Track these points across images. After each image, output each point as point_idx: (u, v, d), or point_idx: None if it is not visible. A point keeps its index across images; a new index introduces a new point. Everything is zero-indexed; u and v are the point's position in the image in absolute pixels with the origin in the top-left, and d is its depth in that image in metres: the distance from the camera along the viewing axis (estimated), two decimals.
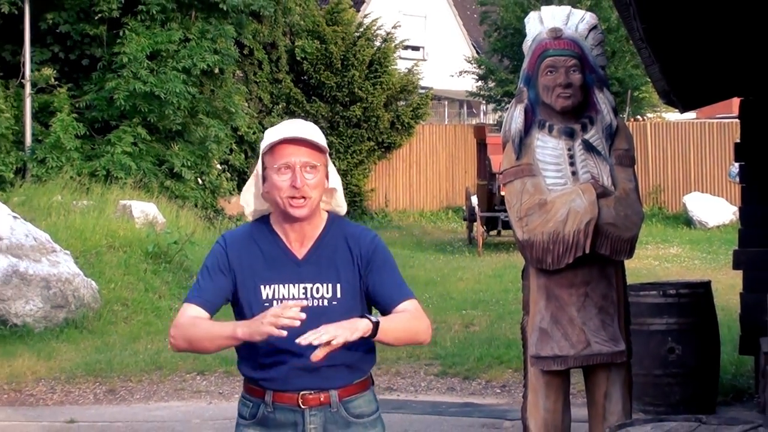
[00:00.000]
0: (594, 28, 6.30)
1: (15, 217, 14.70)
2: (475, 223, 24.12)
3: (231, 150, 26.51)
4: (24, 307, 13.31)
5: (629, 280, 6.47)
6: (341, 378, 4.15)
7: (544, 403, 6.13)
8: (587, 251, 5.87)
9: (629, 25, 6.54)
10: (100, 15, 22.73)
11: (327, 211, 4.24)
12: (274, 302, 4.05)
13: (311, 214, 4.10)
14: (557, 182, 6.04)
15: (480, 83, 35.38)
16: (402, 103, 31.62)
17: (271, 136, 4.10)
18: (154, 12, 23.13)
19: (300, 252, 4.15)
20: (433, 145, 32.78)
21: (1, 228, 14.06)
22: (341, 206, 4.29)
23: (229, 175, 26.66)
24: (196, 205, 23.69)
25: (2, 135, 21.53)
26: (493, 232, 24.84)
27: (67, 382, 11.30)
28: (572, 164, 6.06)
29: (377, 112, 30.38)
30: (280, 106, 29.63)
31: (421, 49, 40.91)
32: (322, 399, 4.12)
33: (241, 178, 27.61)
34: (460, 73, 35.98)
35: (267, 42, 28.83)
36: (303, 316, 3.81)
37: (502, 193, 20.40)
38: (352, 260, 4.16)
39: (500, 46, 33.88)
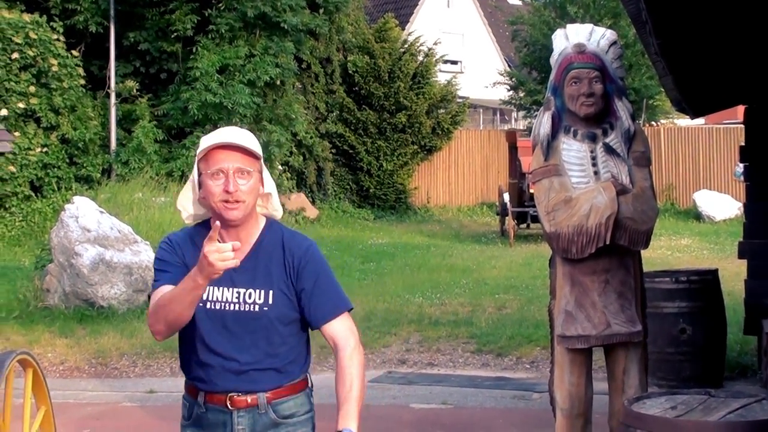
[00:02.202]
0: (614, 43, 6.25)
1: (102, 212, 14.79)
2: (507, 217, 24.06)
3: (291, 152, 26.59)
4: (109, 291, 13.40)
5: (645, 268, 6.42)
6: (269, 381, 3.78)
7: (569, 377, 6.10)
8: (608, 242, 5.84)
9: (645, 41, 6.50)
10: (176, 34, 22.88)
11: (265, 216, 3.90)
12: (209, 304, 3.72)
13: (245, 219, 3.74)
14: (581, 181, 6.00)
15: (511, 93, 35.24)
16: (442, 111, 31.58)
17: (205, 142, 3.74)
18: (223, 31, 23.25)
19: (237, 256, 3.62)
20: (470, 148, 32.71)
21: (90, 221, 14.15)
22: (277, 210, 3.93)
23: (289, 174, 26.73)
24: None
25: (91, 140, 21.69)
26: (523, 225, 24.72)
27: (147, 357, 11.36)
28: (594, 165, 6.03)
29: (420, 119, 30.37)
30: (334, 114, 29.67)
31: (459, 63, 40.80)
32: (249, 401, 3.76)
33: (299, 178, 27.72)
34: (494, 84, 35.84)
35: (323, 57, 28.87)
36: (237, 245, 3.48)
37: (532, 191, 20.46)
38: (285, 270, 3.79)
39: (529, 60, 33.70)
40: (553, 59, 6.31)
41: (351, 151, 29.92)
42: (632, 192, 5.97)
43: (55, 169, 21.26)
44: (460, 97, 33.02)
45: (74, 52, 22.04)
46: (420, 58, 31.18)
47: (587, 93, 6.03)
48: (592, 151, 6.06)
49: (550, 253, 6.35)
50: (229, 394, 3.76)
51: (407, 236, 25.14)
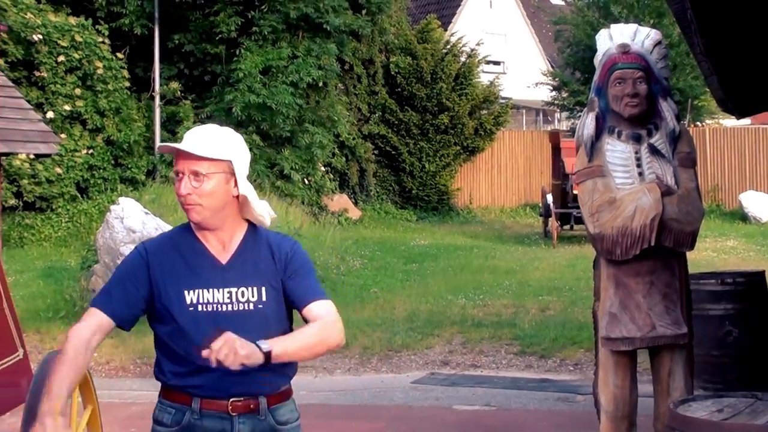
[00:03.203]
0: (658, 43, 6.21)
1: (146, 213, 14.89)
2: (550, 219, 23.99)
3: (333, 154, 26.63)
4: None
5: (690, 270, 6.37)
6: (269, 384, 3.75)
7: (614, 380, 6.06)
8: (653, 244, 5.80)
9: (690, 41, 6.46)
10: (219, 36, 22.98)
11: (247, 221, 3.83)
12: (199, 306, 3.65)
13: (208, 221, 3.70)
14: (625, 182, 5.97)
15: (554, 94, 35.10)
16: (485, 111, 31.50)
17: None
18: (266, 33, 23.32)
19: (223, 257, 3.74)
20: (513, 149, 32.60)
21: (135, 222, 14.24)
22: (262, 215, 3.85)
23: (331, 176, 26.77)
24: (302, 203, 23.84)
25: (135, 141, 21.84)
26: (566, 227, 24.62)
27: None
28: (639, 166, 5.99)
29: (463, 120, 30.31)
30: (377, 115, 29.68)
31: (501, 64, 40.68)
32: (251, 406, 3.71)
33: (342, 179, 27.76)
34: (537, 84, 35.70)
35: (365, 58, 28.89)
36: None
37: (575, 192, 20.35)
38: (275, 264, 3.76)
39: (572, 61, 33.55)
40: (597, 60, 6.28)
41: (393, 153, 29.91)
42: (677, 193, 5.92)
43: (101, 170, 21.42)
44: (503, 98, 32.92)
45: (119, 55, 22.20)
46: (462, 58, 31.12)
47: (632, 93, 6.00)
48: (636, 152, 6.02)
49: (594, 255, 6.31)
50: (231, 399, 3.69)
51: (450, 237, 25.10)
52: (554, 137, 26.28)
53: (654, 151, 6.01)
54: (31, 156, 19.01)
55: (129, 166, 21.92)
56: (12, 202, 19.87)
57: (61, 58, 20.53)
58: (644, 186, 5.89)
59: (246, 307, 3.69)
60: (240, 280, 3.71)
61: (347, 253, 19.73)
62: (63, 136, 20.28)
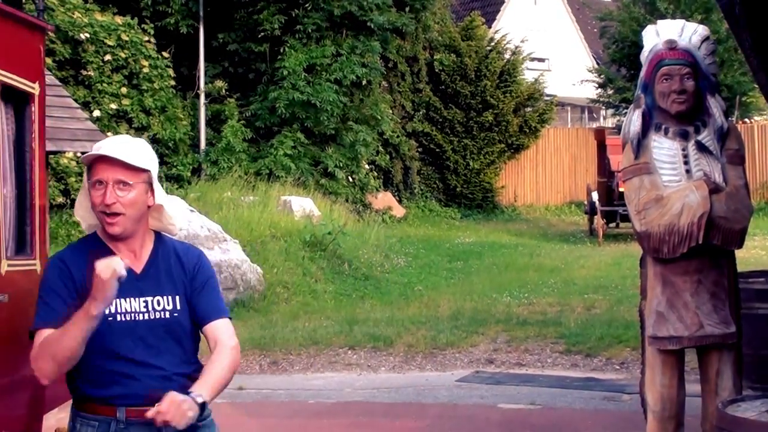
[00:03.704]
0: (706, 39, 6.15)
1: (192, 210, 14.99)
2: (595, 216, 23.89)
3: (377, 152, 26.63)
4: None
5: (739, 268, 6.30)
6: (188, 388, 3.65)
7: (661, 379, 6.01)
8: (700, 242, 5.74)
9: (739, 36, 6.39)
10: (263, 34, 23.05)
11: (153, 230, 3.83)
12: (118, 316, 3.63)
13: (129, 231, 3.69)
14: (672, 179, 5.92)
15: (600, 91, 34.90)
16: (529, 109, 31.40)
17: (92, 150, 3.65)
18: (310, 31, 23.36)
19: (137, 266, 3.73)
20: (558, 146, 32.50)
21: (180, 220, 14.31)
22: (173, 224, 3.88)
23: (375, 173, 26.77)
24: (347, 200, 23.86)
25: (180, 139, 21.95)
26: (612, 225, 24.51)
27: None
28: (686, 163, 5.94)
29: (507, 118, 30.23)
30: (421, 113, 29.66)
31: (546, 61, 40.52)
32: None
33: (386, 177, 27.74)
34: (582, 81, 35.53)
35: (409, 56, 28.86)
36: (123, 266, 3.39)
37: (621, 189, 20.25)
38: (184, 274, 3.79)
39: (618, 57, 33.34)
40: (644, 56, 6.23)
41: (438, 150, 29.87)
42: (725, 191, 5.87)
43: None
44: (548, 95, 32.79)
45: (165, 54, 22.31)
46: (507, 56, 31.03)
47: (679, 90, 5.94)
48: (683, 149, 5.97)
49: (640, 253, 6.26)
50: (156, 404, 3.58)
51: (494, 235, 25.05)
52: (600, 134, 26.18)
53: (701, 148, 5.96)
54: (78, 154, 19.16)
55: (174, 164, 22.03)
56: (60, 200, 20.02)
57: (108, 57, 20.67)
58: (692, 183, 5.84)
59: (162, 316, 3.71)
60: (155, 289, 3.73)
61: (391, 251, 19.74)
62: (109, 134, 20.43)
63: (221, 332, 3.80)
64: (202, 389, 3.59)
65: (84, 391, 3.67)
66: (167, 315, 3.72)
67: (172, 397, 3.45)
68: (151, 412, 3.42)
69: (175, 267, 3.80)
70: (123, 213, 3.63)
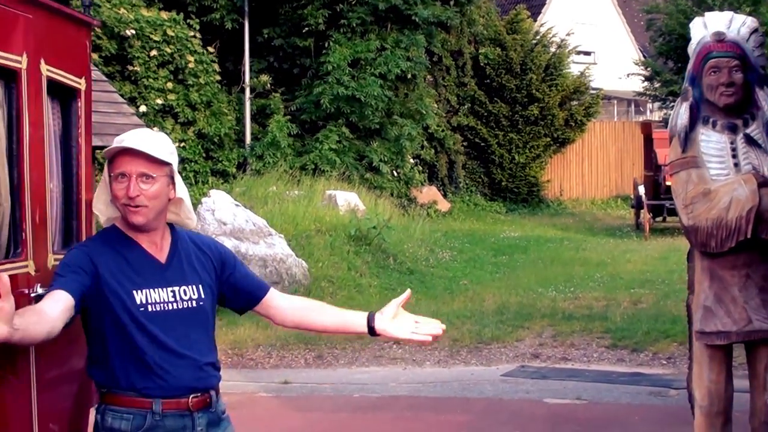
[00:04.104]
0: (755, 31, 6.09)
1: (237, 205, 15.05)
2: (642, 210, 23.79)
3: (422, 146, 26.64)
4: None
5: None
6: (215, 376, 3.83)
7: (708, 374, 5.96)
8: (749, 236, 5.68)
9: None
10: (308, 29, 23.10)
11: (169, 224, 3.86)
12: (149, 307, 3.65)
13: (150, 223, 3.71)
14: (720, 173, 5.86)
15: (646, 84, 34.66)
16: (575, 102, 31.28)
17: (114, 143, 3.69)
18: (355, 25, 23.38)
19: (161, 257, 3.77)
20: (604, 140, 32.35)
21: (226, 215, 14.41)
22: (191, 218, 3.93)
23: (420, 168, 26.75)
24: (391, 195, 23.86)
25: (226, 134, 22.05)
26: (659, 219, 24.36)
27: (281, 348, 11.50)
28: (734, 156, 5.88)
29: (553, 111, 30.12)
30: (466, 107, 29.62)
31: (592, 54, 40.25)
32: (207, 400, 3.76)
33: (431, 171, 27.74)
34: (628, 74, 35.28)
35: (454, 50, 28.83)
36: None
37: (668, 183, 20.08)
38: (209, 262, 3.87)
39: (665, 50, 33.07)
40: (691, 48, 6.17)
41: (483, 144, 29.82)
42: None
43: (192, 163, 21.65)
44: (594, 89, 32.63)
45: (210, 49, 22.42)
46: (552, 49, 30.91)
47: (727, 82, 5.89)
48: (732, 143, 5.91)
49: (687, 247, 6.22)
50: (191, 396, 3.71)
51: (540, 229, 24.97)
52: (646, 128, 26.02)
53: (750, 141, 5.90)
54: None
55: (220, 158, 22.14)
56: None
57: (154, 53, 20.80)
58: (740, 177, 5.78)
59: (189, 305, 3.76)
60: (180, 278, 3.77)
61: (436, 245, 19.72)
62: (155, 129, 20.55)
63: (283, 296, 4.09)
64: (354, 313, 4.03)
65: (118, 383, 3.67)
66: (194, 304, 3.77)
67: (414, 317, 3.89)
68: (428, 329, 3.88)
69: (196, 256, 3.86)
70: (147, 205, 3.65)
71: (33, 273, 4.08)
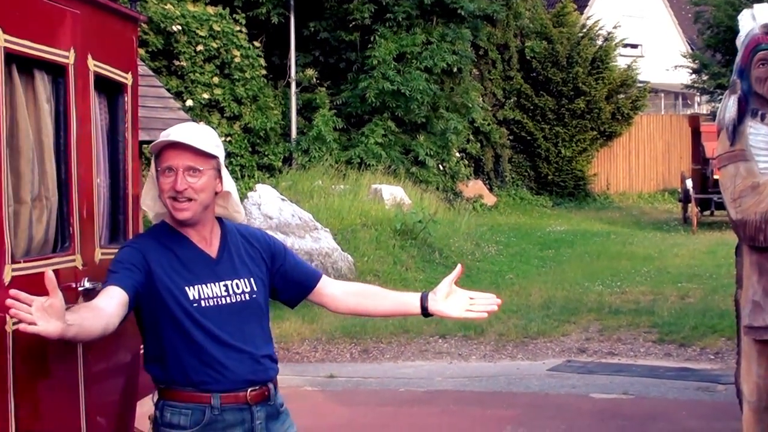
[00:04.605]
0: None
1: (283, 199, 15.10)
2: (689, 204, 23.61)
3: (468, 140, 26.59)
4: None
5: None
6: (272, 369, 3.83)
7: (757, 370, 5.90)
8: None
9: None
10: (354, 23, 23.12)
11: (217, 217, 3.86)
12: (202, 302, 3.65)
13: (198, 216, 3.71)
14: None
15: (694, 76, 34.36)
16: (622, 96, 31.08)
17: (160, 138, 3.69)
18: (401, 19, 23.38)
19: (211, 251, 3.76)
20: (651, 133, 32.13)
21: (272, 209, 14.46)
22: (239, 211, 3.93)
23: (466, 162, 26.71)
24: (437, 189, 23.85)
25: (272, 129, 22.11)
26: (707, 212, 24.16)
27: (327, 342, 11.53)
28: None
29: (599, 105, 29.95)
30: (512, 100, 29.53)
31: (639, 47, 39.96)
32: (265, 393, 3.76)
33: (477, 165, 27.69)
34: (676, 67, 35.00)
35: (500, 43, 28.74)
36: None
37: (715, 177, 19.91)
38: (258, 254, 3.87)
39: (713, 42, 32.79)
40: (740, 41, 6.11)
41: (529, 138, 29.71)
42: None
43: (239, 157, 21.74)
44: (641, 82, 32.40)
45: (256, 43, 22.49)
46: (599, 42, 30.74)
47: None
48: None
49: (735, 241, 6.15)
50: (249, 389, 3.72)
51: (586, 223, 24.85)
52: (694, 121, 25.80)
53: None
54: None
55: (266, 153, 22.21)
56: None
57: (200, 48, 20.90)
58: None
59: (242, 298, 3.75)
60: (231, 272, 3.76)
61: (482, 239, 19.68)
62: (202, 123, 20.64)
63: (336, 283, 4.12)
64: (408, 295, 4.05)
65: (175, 379, 3.67)
66: (247, 297, 3.76)
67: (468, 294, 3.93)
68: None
69: (245, 249, 3.86)
70: (195, 198, 3.65)
71: (80, 267, 4.12)
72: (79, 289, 4.06)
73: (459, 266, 3.99)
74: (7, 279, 3.57)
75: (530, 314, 12.70)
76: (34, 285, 3.25)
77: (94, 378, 4.22)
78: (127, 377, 4.50)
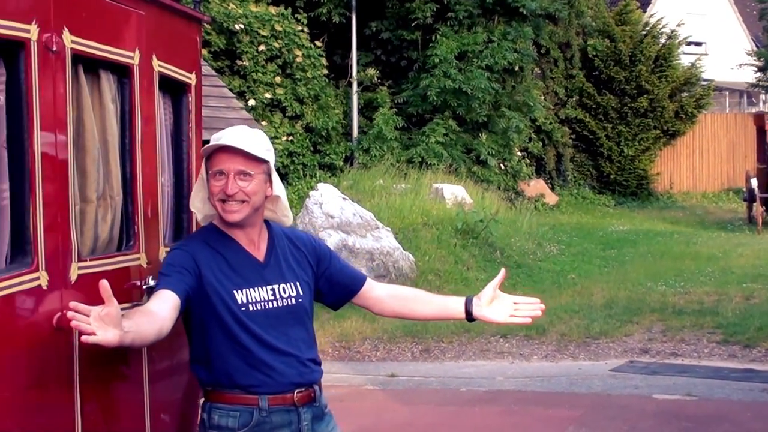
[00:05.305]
0: None
1: (344, 198, 15.13)
2: (754, 204, 23.32)
3: (530, 139, 26.48)
4: None
5: None
6: (317, 371, 3.86)
7: None
8: None
9: None
10: (415, 22, 23.12)
11: (268, 220, 3.89)
12: (250, 306, 3.68)
13: (248, 219, 3.72)
14: None
15: (759, 74, 33.99)
16: (685, 94, 30.80)
17: (212, 141, 3.72)
18: (462, 17, 23.35)
19: (259, 255, 3.79)
20: (715, 132, 31.79)
21: (333, 208, 14.49)
22: (288, 216, 3.94)
23: (528, 161, 26.60)
24: (498, 188, 23.77)
25: (333, 128, 22.18)
26: None
27: (388, 341, 11.54)
28: None
29: (662, 103, 29.68)
30: (574, 99, 29.36)
31: (703, 45, 39.58)
32: (311, 395, 3.80)
33: (539, 164, 27.57)
34: (740, 65, 34.64)
35: (562, 42, 28.59)
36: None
37: None
38: (304, 258, 3.89)
39: None
40: None
41: (591, 137, 29.52)
42: None
43: (300, 156, 21.83)
44: (705, 80, 32.07)
45: (318, 43, 22.56)
46: (662, 40, 30.47)
47: None
48: None
49: None
50: (296, 391, 3.74)
51: (649, 223, 24.65)
52: (759, 119, 25.50)
53: None
54: None
55: (327, 152, 22.27)
56: None
57: (262, 48, 21.00)
58: None
59: (289, 303, 3.78)
60: (278, 277, 3.80)
61: (544, 238, 19.59)
62: (264, 123, 20.76)
63: (381, 286, 4.13)
64: (452, 299, 4.08)
65: (221, 381, 3.71)
66: (293, 301, 3.79)
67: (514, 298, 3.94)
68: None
69: (292, 253, 3.89)
70: (246, 201, 3.67)
71: (145, 265, 4.15)
72: (144, 287, 4.10)
73: (502, 270, 4.01)
74: (73, 277, 3.61)
75: (592, 314, 12.62)
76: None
77: (158, 375, 4.26)
78: (190, 375, 4.53)
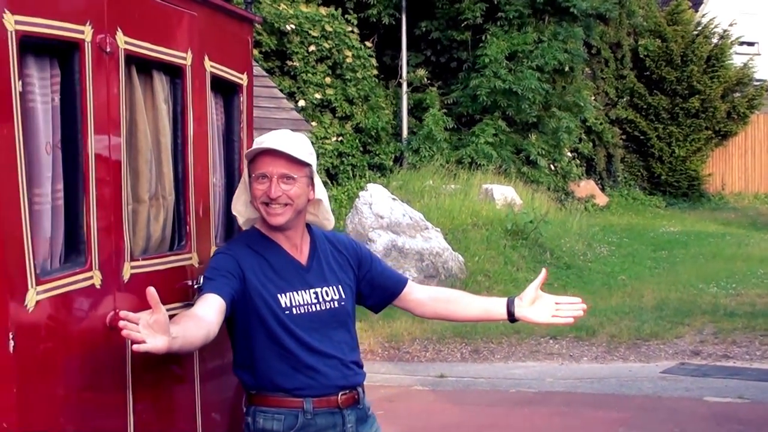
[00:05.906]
0: None
1: (394, 199, 15.13)
2: None
3: (580, 139, 26.36)
4: None
5: None
6: (360, 374, 3.87)
7: None
8: None
9: None
10: (465, 22, 23.09)
11: (311, 224, 3.91)
12: (294, 309, 3.70)
13: (291, 223, 3.74)
14: None
15: None
16: (738, 94, 30.49)
17: (254, 145, 3.75)
18: (512, 17, 23.27)
19: (301, 259, 3.82)
20: None
21: (383, 208, 14.50)
22: (329, 219, 3.96)
23: (578, 161, 26.48)
24: (548, 189, 23.67)
25: (383, 128, 22.19)
26: None
27: (437, 342, 11.53)
28: None
29: (714, 104, 29.42)
30: (625, 99, 29.20)
31: (756, 44, 39.08)
32: (355, 397, 3.81)
33: (589, 165, 27.43)
34: None
35: (612, 42, 28.43)
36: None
37: None
38: (346, 261, 3.91)
39: None
40: None
41: (642, 137, 29.32)
42: None
43: (350, 157, 21.87)
44: (757, 80, 31.72)
45: (367, 44, 22.60)
46: (714, 40, 30.20)
47: None
48: None
49: None
50: (340, 393, 3.76)
51: (700, 224, 24.45)
52: None
53: None
54: None
55: (377, 152, 22.29)
56: None
57: (312, 48, 21.06)
58: None
59: (332, 306, 3.80)
60: (321, 280, 3.82)
61: (594, 239, 19.49)
62: (314, 123, 20.82)
63: (422, 288, 4.16)
64: (494, 300, 4.08)
65: (265, 385, 3.73)
66: (336, 305, 3.81)
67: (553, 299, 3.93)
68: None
69: (333, 256, 3.91)
70: (289, 204, 3.70)
71: (196, 265, 4.17)
72: (195, 287, 4.12)
73: (543, 271, 4.00)
74: (126, 277, 3.64)
75: (643, 316, 12.54)
76: (152, 283, 3.30)
77: (209, 375, 4.28)
78: None
